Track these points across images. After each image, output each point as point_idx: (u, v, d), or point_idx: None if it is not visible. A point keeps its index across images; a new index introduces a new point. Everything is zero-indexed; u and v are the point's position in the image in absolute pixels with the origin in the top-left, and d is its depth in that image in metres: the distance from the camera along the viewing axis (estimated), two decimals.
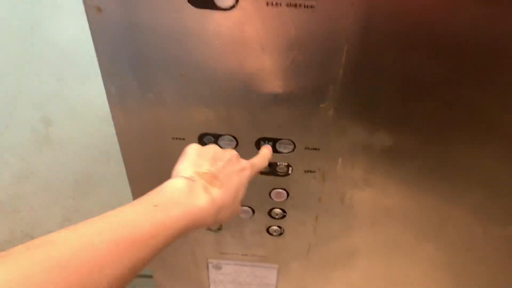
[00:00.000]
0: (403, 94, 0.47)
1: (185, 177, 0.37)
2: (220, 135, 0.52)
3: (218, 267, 0.70)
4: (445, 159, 0.52)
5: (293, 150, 0.53)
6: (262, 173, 0.55)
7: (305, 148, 0.53)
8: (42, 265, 0.23)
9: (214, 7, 0.41)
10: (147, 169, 0.55)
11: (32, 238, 1.13)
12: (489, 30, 0.41)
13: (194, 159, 0.40)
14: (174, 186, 0.36)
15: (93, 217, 0.29)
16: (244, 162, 0.43)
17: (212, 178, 0.38)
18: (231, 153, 0.43)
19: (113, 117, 0.50)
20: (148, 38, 0.43)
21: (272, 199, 0.59)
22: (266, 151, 0.50)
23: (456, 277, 0.66)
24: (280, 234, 0.64)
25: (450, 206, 0.57)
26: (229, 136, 0.52)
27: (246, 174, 0.43)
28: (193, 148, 0.41)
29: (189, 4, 0.40)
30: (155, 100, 0.48)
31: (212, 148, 0.42)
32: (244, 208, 0.60)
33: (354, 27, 0.42)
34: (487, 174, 0.53)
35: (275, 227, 0.63)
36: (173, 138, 0.52)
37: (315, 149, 0.52)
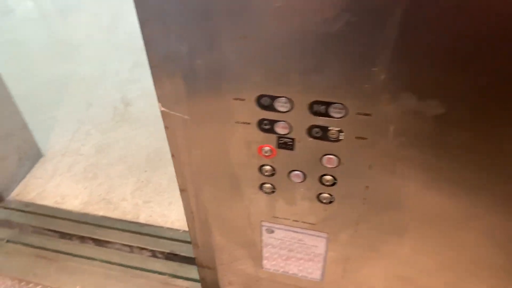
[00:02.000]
0: (462, 59, 0.47)
1: None
2: (277, 97, 0.56)
3: (270, 231, 0.74)
4: (498, 132, 0.51)
5: (345, 115, 0.55)
6: (313, 137, 0.58)
7: (357, 114, 0.55)
8: None
9: None
10: (209, 129, 0.61)
11: (107, 202, 1.26)
12: None
13: None
14: None
15: None
16: None
17: None
18: None
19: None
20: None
21: (323, 165, 0.62)
22: None
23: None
24: (330, 202, 0.66)
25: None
26: (285, 98, 0.55)
27: None
28: None
29: None
30: (219, 62, 0.53)
31: None
32: (296, 172, 0.64)
33: None
34: None
35: (325, 194, 0.66)
36: (234, 99, 0.57)
37: (367, 114, 0.54)
